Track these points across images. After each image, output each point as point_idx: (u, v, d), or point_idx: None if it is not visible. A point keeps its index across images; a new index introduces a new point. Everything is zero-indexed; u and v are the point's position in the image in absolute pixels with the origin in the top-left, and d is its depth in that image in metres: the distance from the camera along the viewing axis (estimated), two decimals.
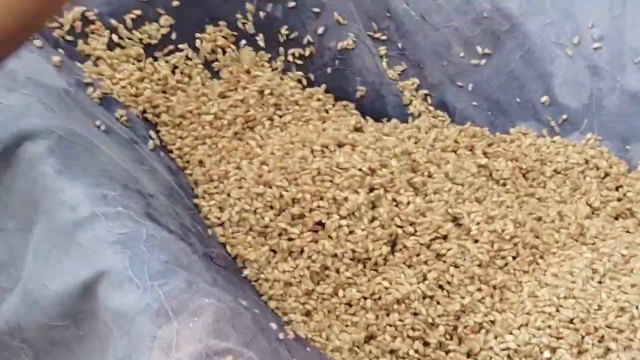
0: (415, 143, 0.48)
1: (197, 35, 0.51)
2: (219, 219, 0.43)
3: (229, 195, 0.44)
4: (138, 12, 0.51)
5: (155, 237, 0.37)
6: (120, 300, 0.35)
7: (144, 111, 0.48)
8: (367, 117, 0.52)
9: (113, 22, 0.51)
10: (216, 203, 0.44)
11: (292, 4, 0.52)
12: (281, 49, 0.53)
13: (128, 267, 0.36)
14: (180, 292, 0.35)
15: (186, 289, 0.35)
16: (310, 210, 0.42)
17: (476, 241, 0.44)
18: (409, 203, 0.44)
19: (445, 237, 0.44)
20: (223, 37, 0.51)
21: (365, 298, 0.41)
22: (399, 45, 0.54)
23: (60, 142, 0.41)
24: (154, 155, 0.46)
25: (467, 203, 0.46)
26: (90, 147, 0.42)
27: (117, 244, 0.36)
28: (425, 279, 0.42)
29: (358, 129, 0.48)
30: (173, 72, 0.49)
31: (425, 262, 0.43)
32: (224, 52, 0.51)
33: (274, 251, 0.42)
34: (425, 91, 0.55)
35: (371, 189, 0.43)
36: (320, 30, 0.53)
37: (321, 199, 0.42)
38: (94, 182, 0.39)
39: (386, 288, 0.41)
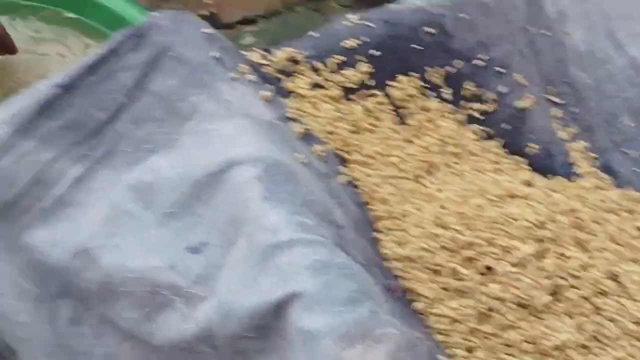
0: (581, 202, 0.52)
1: (391, 83, 0.58)
2: (396, 253, 0.50)
3: (408, 232, 0.50)
4: (341, 58, 0.59)
5: (345, 266, 0.42)
6: (309, 322, 0.38)
7: (338, 148, 0.56)
8: (537, 173, 0.57)
9: (318, 65, 0.59)
10: (395, 239, 0.50)
11: (481, 63, 0.59)
12: (465, 103, 0.59)
13: (320, 291, 0.39)
14: (365, 319, 0.38)
15: (370, 317, 0.38)
16: (482, 254, 0.48)
17: (634, 300, 0.48)
18: (573, 258, 0.48)
19: (604, 293, 0.48)
20: (414, 87, 0.58)
21: (525, 341, 0.45)
22: (572, 109, 0.58)
23: (267, 171, 0.46)
24: (343, 189, 0.53)
25: (627, 263, 0.50)
26: (293, 177, 0.47)
27: (311, 269, 0.40)
28: (583, 329, 0.46)
29: (529, 184, 0.53)
30: (366, 115, 0.57)
31: (585, 314, 0.47)
32: (413, 101, 0.58)
33: (445, 289, 0.48)
34: (593, 154, 0.58)
35: (539, 241, 0.48)
36: (503, 90, 0.58)
37: (493, 245, 0.48)
38: (295, 210, 0.44)
39: (546, 334, 0.45)
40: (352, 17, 0.61)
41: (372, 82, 0.58)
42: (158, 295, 0.46)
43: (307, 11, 1.10)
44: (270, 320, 0.41)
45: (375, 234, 0.52)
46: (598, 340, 0.47)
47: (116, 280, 0.46)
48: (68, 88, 0.50)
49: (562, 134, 0.59)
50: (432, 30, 0.60)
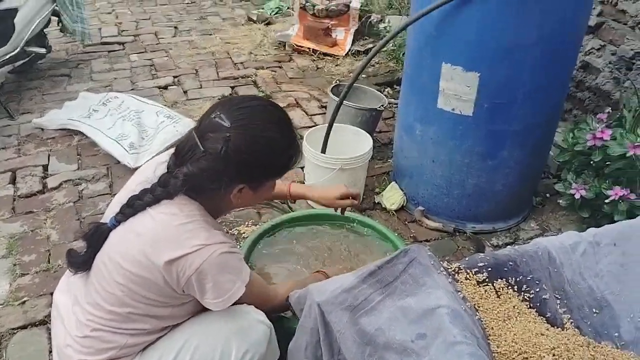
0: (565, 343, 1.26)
1: (495, 283, 1.42)
2: (496, 351, 1.26)
3: (504, 341, 1.27)
4: (479, 275, 1.44)
5: (481, 356, 1.21)
6: None
7: (474, 306, 1.37)
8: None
9: (469, 274, 1.44)
10: (493, 344, 1.28)
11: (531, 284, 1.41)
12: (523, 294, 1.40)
13: None
14: None
15: None
16: None
17: None
18: None
19: None
20: (503, 286, 1.40)
21: None
22: (565, 301, 1.40)
23: (451, 310, 1.28)
24: (477, 321, 1.33)
25: None
26: (460, 314, 1.29)
27: (468, 355, 1.19)
28: None
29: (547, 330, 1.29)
30: (493, 296, 1.38)
31: None
32: (505, 293, 1.39)
33: None
34: (570, 320, 1.35)
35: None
36: (539, 291, 1.39)
37: None
38: (462, 329, 1.25)
39: None
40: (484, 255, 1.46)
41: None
42: (406, 350, 1.25)
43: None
44: None
45: (489, 341, 1.29)
46: None
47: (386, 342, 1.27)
48: (371, 274, 1.37)
49: (560, 310, 1.37)
50: (511, 263, 1.43)
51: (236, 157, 1.19)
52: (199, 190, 1.23)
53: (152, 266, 1.17)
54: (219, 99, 3.38)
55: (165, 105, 3.26)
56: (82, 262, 1.28)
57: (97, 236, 1.26)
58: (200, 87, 3.65)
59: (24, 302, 1.97)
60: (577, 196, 2.17)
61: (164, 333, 1.29)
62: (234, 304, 1.30)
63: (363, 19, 4.21)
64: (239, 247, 1.59)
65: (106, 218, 1.29)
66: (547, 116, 2.18)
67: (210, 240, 1.19)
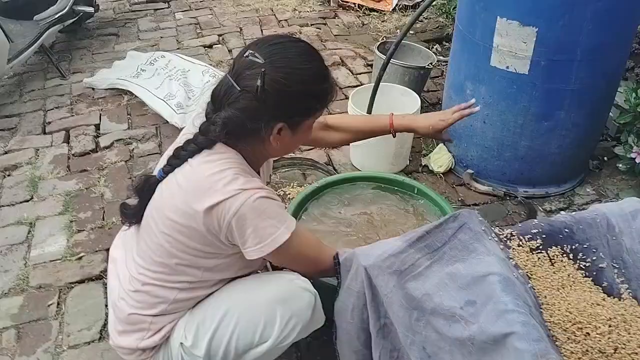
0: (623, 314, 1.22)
1: (549, 251, 1.38)
2: (550, 321, 1.23)
3: (558, 309, 1.24)
4: (535, 240, 1.39)
5: (534, 325, 1.17)
6: (519, 345, 1.14)
7: (526, 273, 1.33)
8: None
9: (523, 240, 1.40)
10: (547, 314, 1.25)
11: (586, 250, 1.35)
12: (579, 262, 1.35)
13: (524, 333, 1.12)
14: (544, 350, 1.12)
15: (546, 349, 1.13)
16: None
17: None
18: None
19: None
20: (558, 254, 1.36)
21: None
22: (623, 270, 1.35)
23: (503, 278, 1.24)
24: (529, 289, 1.30)
25: None
26: (512, 282, 1.26)
27: (520, 324, 1.15)
28: None
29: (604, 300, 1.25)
30: (549, 265, 1.34)
31: None
32: (559, 260, 1.35)
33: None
34: (629, 289, 1.30)
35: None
36: (595, 260, 1.34)
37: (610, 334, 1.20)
38: (514, 297, 1.20)
39: None
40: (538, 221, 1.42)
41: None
42: (454, 316, 1.24)
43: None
44: (500, 339, 1.14)
45: (542, 310, 1.25)
46: None
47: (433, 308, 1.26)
48: (419, 239, 1.35)
49: (617, 280, 1.31)
50: (567, 230, 1.38)
51: (273, 91, 1.18)
52: (238, 135, 1.23)
53: (194, 214, 1.19)
54: None
55: (210, 65, 3.26)
56: (132, 214, 1.32)
57: (146, 188, 1.29)
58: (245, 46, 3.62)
59: (80, 258, 2.06)
60: (637, 160, 2.06)
61: (213, 290, 1.32)
62: (281, 269, 1.30)
63: None
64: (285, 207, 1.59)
65: (155, 172, 1.32)
66: (607, 75, 2.05)
67: (248, 185, 1.19)
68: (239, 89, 1.19)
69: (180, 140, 1.31)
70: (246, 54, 1.22)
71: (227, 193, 1.16)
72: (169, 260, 1.25)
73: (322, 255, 1.34)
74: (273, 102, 1.19)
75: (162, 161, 1.32)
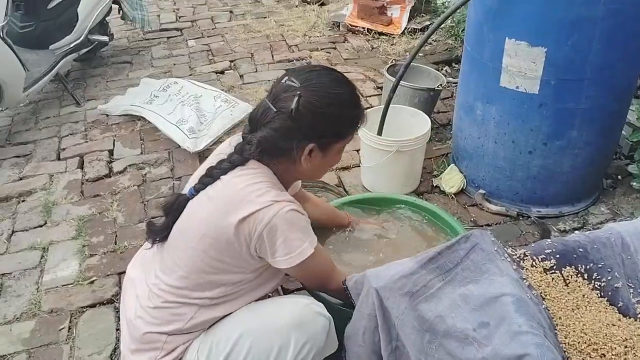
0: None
1: (564, 271, 1.35)
2: (564, 342, 1.20)
3: (572, 332, 1.21)
4: (546, 261, 1.37)
5: (548, 347, 1.15)
6: None
7: (540, 294, 1.31)
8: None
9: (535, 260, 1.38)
10: (562, 336, 1.22)
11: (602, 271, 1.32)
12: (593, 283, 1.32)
13: (538, 356, 1.13)
14: None
15: None
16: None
17: None
18: None
19: None
20: (572, 274, 1.33)
21: None
22: (638, 290, 1.29)
23: (516, 299, 1.23)
24: (543, 310, 1.27)
25: None
26: (526, 303, 1.23)
27: (534, 345, 1.14)
28: None
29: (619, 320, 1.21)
30: (562, 285, 1.32)
31: None
32: (573, 280, 1.32)
33: None
34: None
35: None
36: (610, 280, 1.31)
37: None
38: (528, 318, 1.18)
39: None
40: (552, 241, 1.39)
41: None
42: (467, 338, 1.21)
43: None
44: None
45: (557, 332, 1.23)
46: None
47: (446, 330, 1.23)
48: (431, 260, 1.33)
49: (633, 300, 1.28)
50: (581, 250, 1.35)
51: (307, 112, 1.25)
52: (271, 154, 1.29)
53: (227, 226, 1.22)
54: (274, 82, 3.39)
55: (222, 90, 3.30)
56: (160, 231, 1.35)
57: (175, 205, 1.32)
58: (256, 71, 3.67)
59: (92, 282, 2.07)
60: None
61: (230, 311, 1.32)
62: (292, 292, 1.29)
63: None
64: None
65: (186, 190, 1.35)
66: (618, 93, 2.04)
67: (280, 197, 1.24)
68: (275, 110, 1.26)
69: (213, 160, 1.35)
70: (284, 79, 1.30)
71: (260, 204, 1.21)
72: (195, 275, 1.27)
73: (334, 275, 1.39)
74: (306, 123, 1.26)
75: (193, 180, 1.36)
